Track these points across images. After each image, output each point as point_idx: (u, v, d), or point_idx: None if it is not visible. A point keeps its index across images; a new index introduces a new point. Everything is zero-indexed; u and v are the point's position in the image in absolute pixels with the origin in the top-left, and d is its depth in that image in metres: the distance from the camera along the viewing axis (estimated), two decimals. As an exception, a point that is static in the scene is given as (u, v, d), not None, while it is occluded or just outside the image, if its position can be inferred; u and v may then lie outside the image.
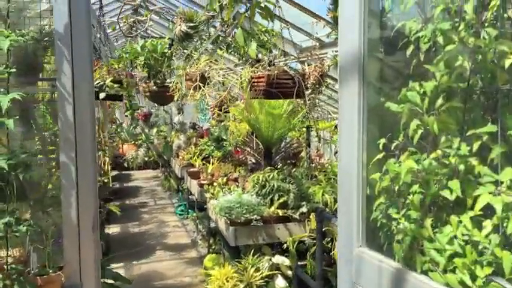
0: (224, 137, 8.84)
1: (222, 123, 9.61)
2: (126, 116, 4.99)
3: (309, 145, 7.05)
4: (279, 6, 3.30)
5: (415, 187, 1.73)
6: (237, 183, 5.72)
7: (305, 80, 3.29)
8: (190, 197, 8.34)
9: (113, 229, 7.95)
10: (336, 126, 6.99)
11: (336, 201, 4.83)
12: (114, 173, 13.87)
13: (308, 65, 4.30)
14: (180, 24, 3.53)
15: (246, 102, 5.26)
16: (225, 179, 5.54)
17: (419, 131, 1.72)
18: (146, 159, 14.11)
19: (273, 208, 4.73)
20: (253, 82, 3.21)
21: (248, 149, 7.78)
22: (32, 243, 1.69)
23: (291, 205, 4.75)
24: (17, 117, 1.65)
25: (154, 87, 5.27)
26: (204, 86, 3.62)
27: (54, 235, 1.77)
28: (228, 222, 4.57)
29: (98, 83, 3.52)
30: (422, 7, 1.82)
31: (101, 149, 5.30)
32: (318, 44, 5.09)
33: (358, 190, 2.00)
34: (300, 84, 3.07)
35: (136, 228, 7.96)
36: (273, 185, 4.85)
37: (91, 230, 1.81)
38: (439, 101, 1.66)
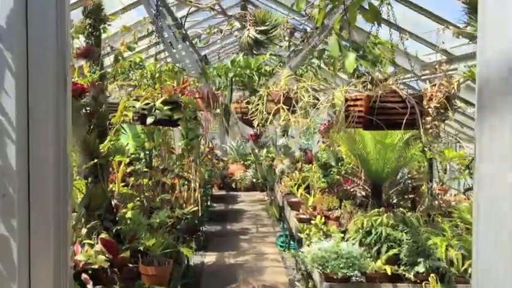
0: (332, 164, 7.94)
1: (331, 148, 8.74)
2: (180, 146, 4.37)
3: (431, 179, 5.89)
4: (388, 3, 2.43)
5: None
6: (338, 224, 4.83)
7: (422, 103, 2.37)
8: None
9: (209, 257, 7.45)
10: (471, 160, 5.68)
11: (465, 258, 3.72)
12: (222, 192, 13.64)
13: (431, 84, 3.33)
14: (248, 29, 2.84)
15: (338, 130, 4.40)
16: (323, 218, 4.66)
17: None
18: (254, 180, 13.69)
19: (379, 262, 3.77)
20: (348, 106, 2.37)
21: (357, 180, 6.84)
22: None
23: (403, 260, 3.74)
24: None
25: (245, 108, 4.64)
26: (289, 109, 2.85)
27: None
28: (322, 276, 3.71)
29: (146, 104, 2.91)
30: None
31: (182, 177, 4.80)
32: (444, 57, 4.05)
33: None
34: (415, 109, 2.16)
35: (233, 259, 7.37)
36: (381, 233, 3.88)
37: None
38: None
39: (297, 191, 6.78)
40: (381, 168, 4.32)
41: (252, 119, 3.53)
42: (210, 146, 12.05)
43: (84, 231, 4.08)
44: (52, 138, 1.15)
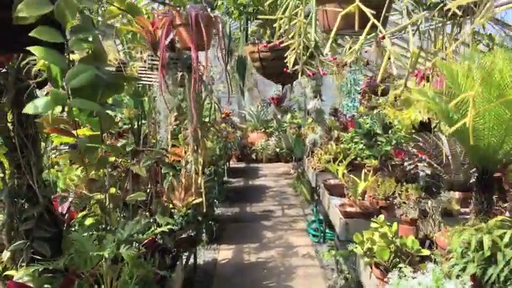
0: (378, 132, 6.19)
1: (375, 111, 6.95)
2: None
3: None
4: None
5: None
6: (415, 229, 3.12)
7: None
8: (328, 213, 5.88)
9: (223, 253, 5.88)
10: None
11: None
12: (241, 165, 12.02)
13: None
14: None
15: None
16: (395, 225, 2.94)
17: None
18: (278, 150, 12.01)
19: (515, 316, 2.09)
20: None
21: (416, 152, 5.13)
22: None
23: (560, 313, 2.05)
24: None
25: (267, 52, 2.94)
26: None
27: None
28: None
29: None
30: None
31: (165, 164, 3.15)
32: None
33: None
34: None
35: (254, 255, 5.78)
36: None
37: None
38: None
39: (337, 169, 5.06)
40: (494, 147, 2.57)
41: (285, 57, 1.80)
42: (226, 111, 10.35)
43: (6, 255, 2.50)
44: None
